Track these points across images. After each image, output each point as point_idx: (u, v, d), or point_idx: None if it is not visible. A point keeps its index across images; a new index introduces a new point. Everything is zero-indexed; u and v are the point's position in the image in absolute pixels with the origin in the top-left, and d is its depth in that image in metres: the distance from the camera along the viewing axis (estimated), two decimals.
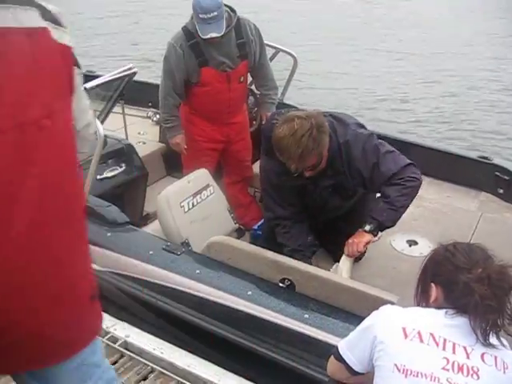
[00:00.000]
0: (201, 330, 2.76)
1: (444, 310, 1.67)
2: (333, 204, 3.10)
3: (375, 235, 2.90)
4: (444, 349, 1.59)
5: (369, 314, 1.81)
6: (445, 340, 1.61)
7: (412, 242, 3.58)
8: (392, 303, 2.40)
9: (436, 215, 3.92)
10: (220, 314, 2.71)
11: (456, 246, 1.74)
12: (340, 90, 9.86)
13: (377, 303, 2.56)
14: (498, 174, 4.17)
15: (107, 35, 13.70)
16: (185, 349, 2.71)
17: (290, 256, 2.96)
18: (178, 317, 2.83)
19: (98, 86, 3.51)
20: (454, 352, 1.59)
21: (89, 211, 3.17)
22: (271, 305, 2.62)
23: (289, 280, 2.73)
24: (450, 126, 8.20)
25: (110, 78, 3.56)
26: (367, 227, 2.87)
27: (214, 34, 3.58)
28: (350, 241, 2.91)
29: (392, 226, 2.93)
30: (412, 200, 2.88)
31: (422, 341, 1.61)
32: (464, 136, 7.76)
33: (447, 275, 1.69)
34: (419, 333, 1.62)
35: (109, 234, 3.09)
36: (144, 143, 4.82)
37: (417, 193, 2.89)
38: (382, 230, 2.95)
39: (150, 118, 5.24)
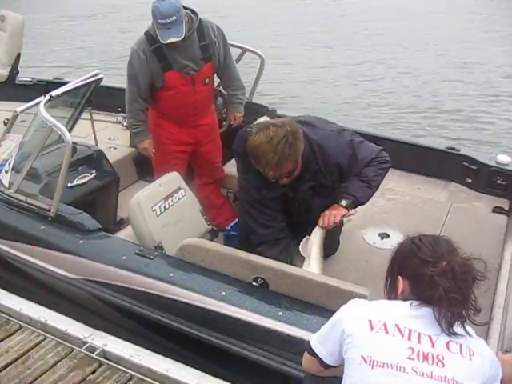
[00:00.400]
0: (177, 333, 2.77)
1: (409, 302, 1.71)
2: (316, 204, 3.12)
3: (349, 210, 3.02)
4: (409, 339, 1.63)
5: None
6: (410, 330, 1.65)
7: (384, 235, 3.63)
8: (364, 297, 2.44)
9: (407, 207, 3.97)
10: (195, 316, 2.72)
11: (422, 238, 1.77)
12: (308, 87, 9.91)
13: (349, 297, 2.59)
14: (465, 164, 4.25)
15: (68, 40, 13.59)
16: (163, 354, 2.72)
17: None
18: (154, 321, 2.83)
19: (64, 93, 3.51)
20: (419, 342, 1.63)
21: (60, 219, 3.22)
22: (245, 304, 2.64)
23: (262, 279, 2.74)
24: (418, 119, 8.31)
25: (76, 85, 3.57)
26: (344, 202, 2.98)
27: (173, 39, 3.59)
28: (326, 212, 3.00)
29: (364, 203, 3.09)
30: (383, 180, 3.07)
31: (387, 332, 1.65)
32: (432, 128, 7.86)
33: (413, 268, 1.72)
34: (385, 324, 1.66)
35: (81, 242, 3.08)
36: (115, 148, 4.80)
37: (386, 173, 3.08)
38: (355, 207, 3.06)
39: (119, 122, 5.23)
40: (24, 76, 5.82)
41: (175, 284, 2.78)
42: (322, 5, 16.59)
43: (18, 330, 2.93)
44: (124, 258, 2.95)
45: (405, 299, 1.74)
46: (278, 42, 12.10)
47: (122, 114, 5.19)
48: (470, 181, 4.26)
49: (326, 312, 2.54)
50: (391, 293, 1.83)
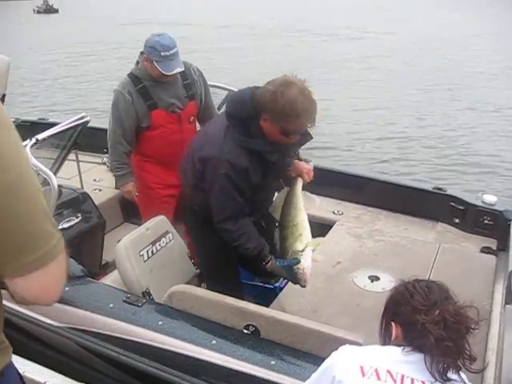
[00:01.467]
0: (167, 383, 2.69)
1: (401, 347, 1.68)
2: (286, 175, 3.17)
3: None
4: None
5: None
6: (402, 376, 1.62)
7: (374, 278, 3.59)
8: (358, 344, 2.39)
9: (396, 249, 3.95)
10: (185, 366, 2.64)
11: (415, 285, 1.75)
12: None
13: (343, 345, 2.56)
14: (453, 204, 4.26)
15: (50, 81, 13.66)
16: None
17: (254, 257, 3.01)
18: (142, 371, 2.74)
19: (50, 136, 3.48)
20: None
21: None
22: (237, 353, 2.57)
23: (253, 326, 2.69)
24: (405, 160, 8.39)
25: (62, 128, 3.55)
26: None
27: (178, 69, 3.70)
28: (303, 169, 3.15)
29: None
30: None
31: (379, 378, 1.61)
32: (418, 169, 7.92)
33: (405, 316, 1.70)
34: (376, 370, 1.63)
35: (67, 289, 2.99)
36: (100, 190, 4.76)
37: None
38: None
39: (105, 164, 5.18)
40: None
41: (164, 332, 2.71)
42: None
43: None
44: (111, 305, 2.88)
45: (398, 345, 1.71)
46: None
47: (107, 155, 5.17)
48: (457, 221, 4.26)
49: (320, 360, 2.48)
50: (385, 338, 1.80)
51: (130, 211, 4.73)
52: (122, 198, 4.76)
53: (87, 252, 3.94)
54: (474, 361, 1.64)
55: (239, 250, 3.04)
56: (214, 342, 2.62)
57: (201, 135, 3.20)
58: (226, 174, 2.79)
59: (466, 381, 1.66)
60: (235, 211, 2.95)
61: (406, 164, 8.17)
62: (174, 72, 3.68)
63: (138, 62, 3.84)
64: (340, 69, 14.50)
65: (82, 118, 3.65)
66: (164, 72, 3.65)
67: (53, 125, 3.73)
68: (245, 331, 2.71)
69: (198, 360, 2.60)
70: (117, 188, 4.82)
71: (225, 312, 2.77)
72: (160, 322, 2.75)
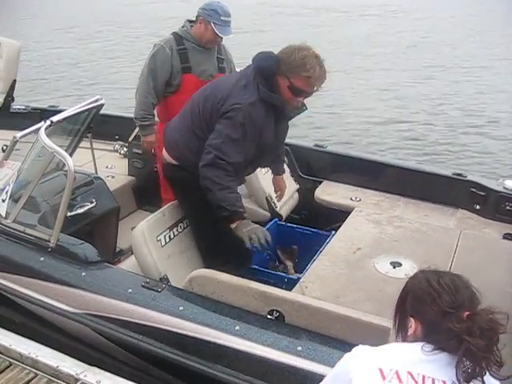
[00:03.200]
0: (188, 370, 2.61)
1: (420, 344, 1.57)
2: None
3: None
4: None
5: (364, 342, 1.72)
6: (423, 377, 1.52)
7: (396, 264, 3.49)
8: (387, 329, 2.31)
9: (417, 235, 3.85)
10: (207, 352, 2.56)
11: (441, 282, 1.61)
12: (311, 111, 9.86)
13: (371, 329, 2.48)
14: (473, 190, 4.17)
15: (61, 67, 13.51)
16: None
17: (227, 196, 3.01)
18: (161, 357, 2.67)
19: (64, 119, 3.40)
20: None
21: (61, 251, 3.06)
22: (261, 339, 2.49)
23: (277, 311, 2.61)
24: (423, 145, 8.21)
25: (77, 111, 3.46)
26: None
27: (232, 35, 3.99)
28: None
29: None
30: None
31: (400, 381, 1.52)
32: (438, 154, 7.77)
33: (430, 316, 1.59)
34: (397, 373, 1.53)
35: (83, 274, 2.92)
36: (113, 177, 4.68)
37: None
38: None
39: (117, 151, 5.11)
40: (18, 104, 5.69)
41: (185, 318, 2.63)
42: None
43: (7, 367, 2.80)
44: (130, 290, 2.79)
45: (415, 340, 1.61)
46: None
47: (120, 142, 5.10)
48: (478, 207, 4.16)
49: (348, 346, 2.41)
50: (401, 331, 1.69)
51: (144, 198, 4.66)
52: (136, 185, 4.71)
53: (102, 238, 3.87)
54: (502, 366, 1.54)
55: (212, 197, 3.02)
56: (237, 327, 2.54)
57: (217, 85, 3.22)
58: (242, 124, 2.96)
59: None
60: (230, 158, 2.98)
61: (423, 149, 7.99)
62: (230, 35, 3.95)
63: (183, 26, 4.06)
64: (352, 49, 14.32)
65: (96, 100, 3.56)
66: (221, 34, 3.90)
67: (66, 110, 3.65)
68: (269, 317, 2.62)
69: (221, 346, 2.52)
70: (130, 175, 4.76)
71: (248, 297, 2.68)
72: (181, 308, 2.67)
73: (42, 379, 2.69)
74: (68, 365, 2.71)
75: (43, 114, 5.58)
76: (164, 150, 3.31)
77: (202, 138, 3.10)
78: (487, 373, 1.52)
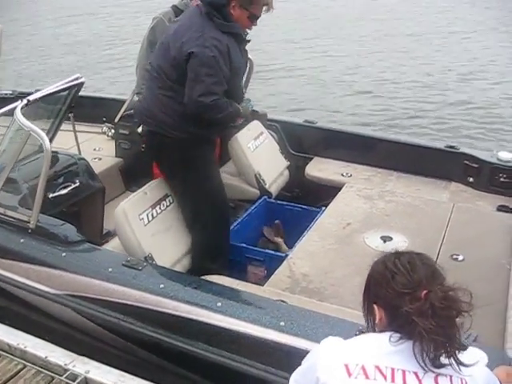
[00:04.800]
0: (171, 349, 2.55)
1: (388, 335, 1.48)
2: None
3: None
4: (393, 380, 1.42)
5: None
6: (392, 370, 1.43)
7: (386, 238, 3.43)
8: None
9: (408, 209, 3.78)
10: (189, 331, 2.50)
11: (396, 262, 1.52)
12: (303, 84, 9.72)
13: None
14: (466, 162, 4.09)
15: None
16: (154, 372, 2.50)
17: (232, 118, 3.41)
18: (143, 337, 2.61)
19: (42, 97, 3.31)
20: (404, 381, 1.42)
21: (41, 232, 2.99)
22: (243, 315, 2.42)
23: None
24: (415, 118, 8.07)
25: (55, 89, 3.36)
26: None
27: None
28: None
29: None
30: None
31: (367, 377, 1.43)
32: (429, 126, 7.63)
33: (388, 300, 1.50)
34: (363, 368, 1.44)
35: (64, 255, 2.85)
36: (100, 159, 4.60)
37: None
38: None
39: (105, 133, 5.01)
40: (4, 89, 5.60)
41: (166, 296, 2.56)
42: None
43: None
44: (110, 270, 2.72)
45: (383, 330, 1.52)
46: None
47: (107, 124, 5.01)
48: (471, 180, 4.09)
49: (332, 320, 2.36)
50: (369, 320, 1.59)
51: (132, 180, 4.57)
52: (123, 167, 4.63)
53: (87, 220, 3.80)
54: (465, 349, 1.44)
55: (220, 119, 3.28)
56: (219, 304, 2.47)
57: (171, 39, 3.23)
58: (213, 57, 3.07)
59: (467, 360, 1.45)
60: (214, 86, 3.12)
61: (414, 122, 7.85)
62: None
63: None
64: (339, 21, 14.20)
65: (76, 78, 3.47)
66: None
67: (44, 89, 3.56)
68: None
69: (202, 323, 2.46)
70: (117, 156, 4.68)
71: None
72: (162, 285, 2.60)
73: (31, 371, 2.64)
74: (57, 355, 2.66)
75: None
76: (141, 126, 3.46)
77: (175, 97, 3.18)
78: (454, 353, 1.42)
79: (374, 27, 13.56)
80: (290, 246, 3.87)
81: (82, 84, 3.53)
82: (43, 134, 2.89)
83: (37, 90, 5.54)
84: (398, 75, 10.12)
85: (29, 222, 2.99)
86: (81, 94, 5.09)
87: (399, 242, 3.36)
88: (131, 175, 4.55)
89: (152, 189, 3.30)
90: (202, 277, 2.96)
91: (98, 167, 4.35)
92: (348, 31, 13.39)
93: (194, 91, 3.08)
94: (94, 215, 3.79)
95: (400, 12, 15.24)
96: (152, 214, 3.20)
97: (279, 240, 3.97)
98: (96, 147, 4.83)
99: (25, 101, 3.07)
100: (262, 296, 2.56)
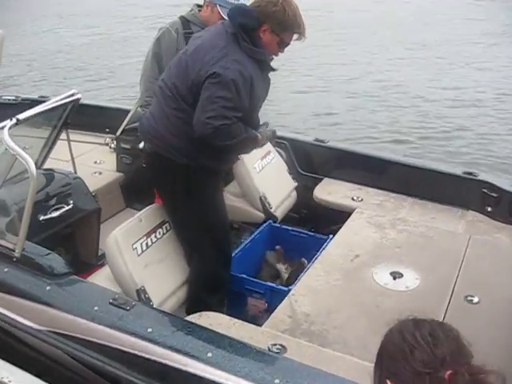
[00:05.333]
0: None
1: None
2: None
3: None
4: None
5: None
6: None
7: (396, 274, 3.20)
8: None
9: (421, 240, 3.55)
10: (176, 381, 2.30)
11: (416, 334, 1.29)
12: (315, 105, 9.39)
13: None
14: (485, 190, 3.85)
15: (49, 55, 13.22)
16: None
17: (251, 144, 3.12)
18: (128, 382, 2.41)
19: (34, 115, 3.13)
20: None
21: (26, 261, 2.81)
22: (235, 368, 2.21)
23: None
24: (432, 141, 7.72)
25: (49, 106, 3.19)
26: None
27: None
28: None
29: None
30: None
31: None
32: (447, 151, 7.29)
33: (404, 378, 1.27)
34: None
35: (48, 288, 2.66)
36: (100, 173, 4.43)
37: None
38: None
39: (107, 144, 4.84)
40: (7, 94, 5.45)
41: (153, 341, 2.35)
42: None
43: None
44: (96, 308, 2.53)
45: None
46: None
47: (110, 135, 4.83)
48: (489, 209, 3.85)
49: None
50: None
51: (133, 196, 4.41)
52: (124, 182, 4.46)
53: (82, 241, 3.64)
54: None
55: (232, 146, 3.01)
56: (209, 354, 2.27)
57: (197, 46, 3.02)
58: (233, 80, 2.82)
59: None
60: (227, 110, 2.85)
61: (430, 145, 7.51)
62: None
63: (191, 10, 3.86)
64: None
65: (72, 94, 3.29)
66: (226, 17, 3.49)
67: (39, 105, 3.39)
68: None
69: (190, 375, 2.25)
70: (119, 171, 4.51)
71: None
72: (149, 329, 2.39)
73: None
74: None
75: (33, 104, 5.33)
76: (144, 143, 3.21)
77: (187, 121, 2.92)
78: None
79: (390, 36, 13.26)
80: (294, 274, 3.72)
81: (78, 100, 3.35)
82: (29, 160, 2.69)
83: (40, 97, 5.47)
84: (417, 90, 9.78)
85: (14, 250, 2.81)
86: (85, 102, 4.98)
87: (410, 280, 3.14)
88: (132, 191, 4.39)
89: (148, 215, 3.12)
90: (198, 313, 2.78)
91: (97, 182, 4.21)
92: (365, 39, 13.12)
93: (203, 111, 2.83)
94: (89, 237, 3.63)
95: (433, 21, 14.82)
96: (146, 243, 3.02)
97: (281, 266, 3.77)
98: (97, 160, 4.66)
99: (14, 120, 2.89)
100: (258, 347, 2.34)
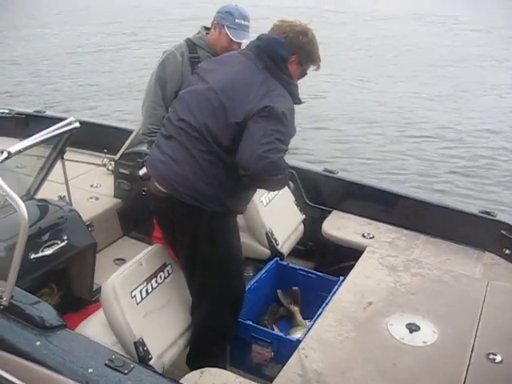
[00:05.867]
0: None
1: None
2: None
3: None
4: None
5: None
6: None
7: (413, 326, 2.98)
8: None
9: (437, 287, 3.34)
10: None
11: None
12: (325, 132, 9.11)
13: None
14: (503, 232, 3.66)
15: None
16: None
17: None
18: None
19: (31, 146, 2.90)
20: None
21: (15, 310, 2.56)
22: None
23: None
24: (447, 177, 7.45)
25: (44, 137, 2.95)
26: None
27: (245, 41, 3.47)
28: None
29: None
30: None
31: None
32: (463, 188, 7.06)
33: None
34: None
35: (38, 343, 2.42)
36: (97, 199, 4.21)
37: None
38: None
39: (105, 165, 4.60)
40: (1, 108, 5.22)
41: None
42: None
43: None
44: (91, 370, 2.29)
45: None
46: None
47: (108, 156, 4.60)
48: (507, 252, 3.65)
49: None
50: None
51: (130, 224, 4.19)
52: (122, 209, 4.24)
53: (75, 277, 3.42)
54: None
55: (274, 182, 2.83)
56: None
57: (230, 83, 2.77)
58: (283, 113, 2.68)
59: None
60: (282, 144, 2.71)
61: (445, 180, 7.25)
62: (243, 40, 3.48)
63: (198, 32, 3.69)
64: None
65: (70, 123, 3.05)
66: (234, 38, 3.49)
67: (50, 118, 3.18)
68: None
69: None
70: (116, 196, 4.29)
71: None
72: None
73: None
74: None
75: (28, 118, 5.12)
76: (160, 186, 2.84)
77: (217, 164, 2.71)
78: None
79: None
80: (303, 316, 3.57)
81: (75, 129, 3.12)
82: (20, 203, 2.44)
83: (35, 111, 5.24)
84: (435, 122, 9.49)
85: (1, 298, 2.57)
86: (83, 119, 4.76)
87: (428, 334, 2.92)
88: (130, 219, 4.18)
89: (148, 258, 2.89)
90: (199, 370, 2.55)
91: (94, 209, 4.00)
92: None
93: (259, 145, 2.61)
94: (83, 272, 3.41)
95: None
96: (146, 290, 2.79)
97: (295, 308, 3.58)
98: (94, 183, 4.44)
99: (5, 153, 2.64)
100: None
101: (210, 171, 2.70)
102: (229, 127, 2.66)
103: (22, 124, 5.08)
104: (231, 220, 2.94)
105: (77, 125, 3.09)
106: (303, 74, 2.95)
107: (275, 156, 2.62)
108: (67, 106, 9.59)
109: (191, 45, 3.60)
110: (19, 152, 2.71)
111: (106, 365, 2.30)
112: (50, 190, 3.66)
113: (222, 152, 2.68)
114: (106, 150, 4.59)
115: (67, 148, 4.29)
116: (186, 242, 2.87)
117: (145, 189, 3.80)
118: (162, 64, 3.55)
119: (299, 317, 3.55)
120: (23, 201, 2.97)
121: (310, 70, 2.98)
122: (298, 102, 2.90)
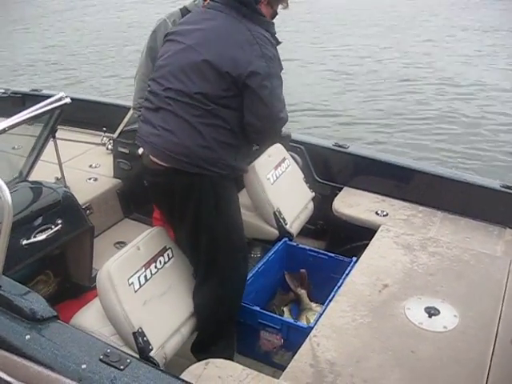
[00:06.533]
0: None
1: None
2: None
3: None
4: None
5: None
6: None
7: (432, 310, 2.78)
8: None
9: (456, 266, 3.13)
10: None
11: None
12: (335, 104, 8.80)
13: None
14: None
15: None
16: None
17: None
18: None
19: (19, 123, 2.70)
20: None
21: (3, 301, 2.36)
22: None
23: None
24: (465, 149, 7.14)
25: (33, 114, 2.75)
26: None
27: None
28: None
29: None
30: None
31: None
32: (482, 161, 6.76)
33: None
34: None
35: (28, 337, 2.24)
36: (95, 180, 4.01)
37: None
38: None
39: (104, 145, 4.41)
40: None
41: None
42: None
43: None
44: (84, 366, 2.11)
45: None
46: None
47: (108, 135, 4.40)
48: None
49: None
50: None
51: (131, 205, 4.01)
52: (122, 189, 4.06)
53: (73, 263, 3.25)
54: None
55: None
56: None
57: (216, 38, 2.65)
58: (274, 55, 2.69)
59: None
60: (282, 95, 2.77)
61: (463, 154, 6.91)
62: None
63: (195, 0, 3.45)
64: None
65: (60, 98, 2.85)
66: None
67: (47, 97, 2.97)
68: None
69: None
70: (116, 177, 4.10)
71: None
72: None
73: None
74: None
75: (25, 98, 4.91)
76: (157, 159, 2.66)
77: (220, 125, 2.61)
78: None
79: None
80: (313, 299, 3.39)
81: (66, 104, 2.91)
82: (4, 186, 2.25)
83: (32, 90, 5.04)
84: (453, 90, 9.17)
85: None
86: (81, 96, 4.56)
87: (448, 318, 2.72)
88: (131, 200, 3.99)
89: (147, 242, 2.69)
90: (204, 361, 2.37)
91: (93, 190, 3.83)
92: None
93: (273, 108, 2.64)
94: (80, 257, 3.24)
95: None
96: (145, 276, 2.60)
97: (302, 291, 3.39)
98: (93, 163, 4.25)
99: None
100: None
101: (208, 134, 2.57)
102: (220, 79, 2.55)
103: (19, 103, 4.87)
104: (233, 187, 2.84)
105: (67, 100, 2.88)
106: (275, 14, 2.86)
107: (286, 114, 2.73)
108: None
109: (186, 12, 3.35)
110: (4, 131, 2.51)
111: (101, 360, 2.12)
112: (46, 172, 3.48)
113: (223, 111, 2.59)
114: (105, 129, 4.40)
115: (67, 128, 4.13)
116: (188, 215, 2.70)
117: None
118: (153, 34, 3.37)
119: (306, 299, 3.37)
120: (16, 183, 2.84)
121: (280, 9, 2.89)
122: (277, 41, 2.82)
